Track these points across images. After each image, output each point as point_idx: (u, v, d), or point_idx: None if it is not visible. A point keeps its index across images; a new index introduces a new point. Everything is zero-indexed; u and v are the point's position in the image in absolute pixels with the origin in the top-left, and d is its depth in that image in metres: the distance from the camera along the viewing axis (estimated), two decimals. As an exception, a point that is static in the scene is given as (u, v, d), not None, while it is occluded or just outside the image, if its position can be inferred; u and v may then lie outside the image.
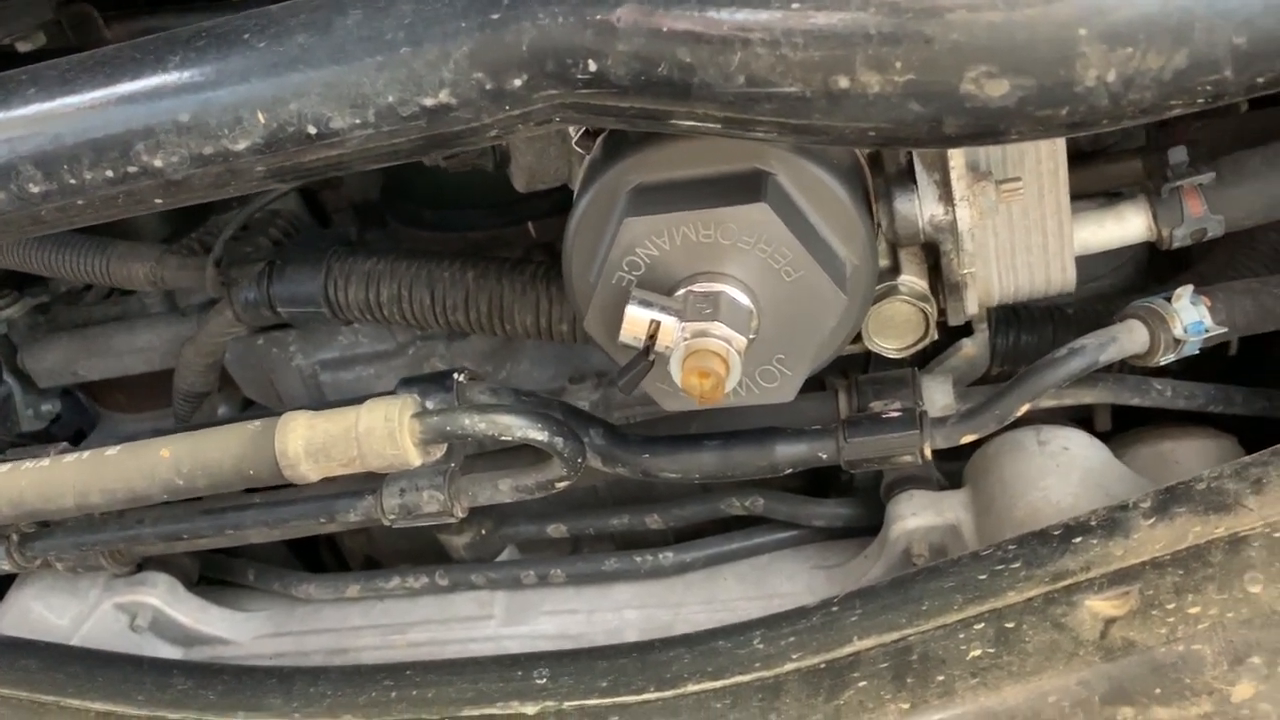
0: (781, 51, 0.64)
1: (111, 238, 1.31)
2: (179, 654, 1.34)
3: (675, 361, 0.82)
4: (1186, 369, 1.13)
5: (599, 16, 0.67)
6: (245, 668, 1.16)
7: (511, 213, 1.37)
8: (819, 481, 1.36)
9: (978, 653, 0.85)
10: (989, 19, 0.62)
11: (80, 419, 1.72)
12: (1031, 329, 1.16)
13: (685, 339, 0.81)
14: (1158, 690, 0.77)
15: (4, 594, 1.48)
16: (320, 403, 1.39)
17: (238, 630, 1.34)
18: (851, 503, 1.20)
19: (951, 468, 1.16)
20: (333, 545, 1.71)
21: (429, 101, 0.72)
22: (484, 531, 1.28)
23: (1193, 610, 0.78)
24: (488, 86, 0.71)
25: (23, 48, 1.05)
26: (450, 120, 0.73)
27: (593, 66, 0.69)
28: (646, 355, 0.84)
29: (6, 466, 0.99)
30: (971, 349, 1.10)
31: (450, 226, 1.39)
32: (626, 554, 1.25)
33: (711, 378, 0.80)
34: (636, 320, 0.82)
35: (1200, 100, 0.63)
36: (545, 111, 0.73)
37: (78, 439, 1.73)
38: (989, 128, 0.65)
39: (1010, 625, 0.85)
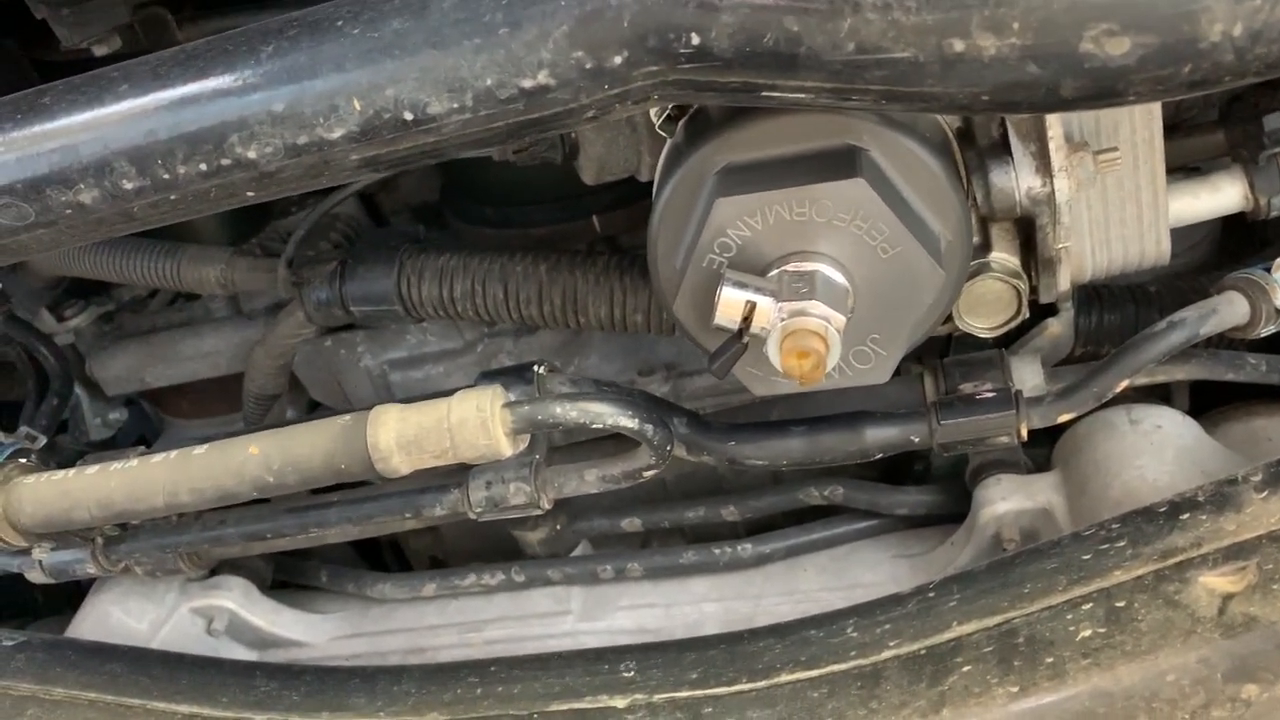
0: (893, 16, 0.63)
1: (180, 242, 1.32)
2: (255, 657, 1.34)
3: (773, 342, 0.81)
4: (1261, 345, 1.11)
5: (702, -12, 0.66)
6: (327, 668, 1.16)
7: (574, 207, 1.36)
8: (890, 472, 1.35)
9: (1088, 633, 0.83)
10: (1110, -25, 0.60)
11: (144, 427, 1.73)
12: (1114, 308, 1.14)
13: (782, 319, 0.80)
14: (1284, 666, 0.75)
15: (76, 599, 1.50)
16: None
17: (313, 632, 1.34)
18: (934, 490, 1.18)
19: (1034, 453, 1.15)
20: (396, 548, 1.71)
21: (527, 83, 0.71)
22: (558, 527, 1.27)
23: (1317, 583, 0.76)
24: (587, 66, 0.70)
25: (99, 51, 1.05)
26: (548, 102, 0.72)
27: (695, 40, 0.68)
28: (740, 338, 0.83)
29: (94, 468, 0.99)
30: (1057, 328, 1.08)
31: (513, 223, 1.39)
32: (704, 546, 1.23)
33: (812, 357, 0.79)
34: (732, 302, 0.81)
35: (1328, 53, 0.61)
36: (644, 89, 0.72)
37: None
38: (1108, 88, 0.63)
39: (1121, 604, 0.83)
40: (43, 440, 1.25)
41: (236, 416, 1.57)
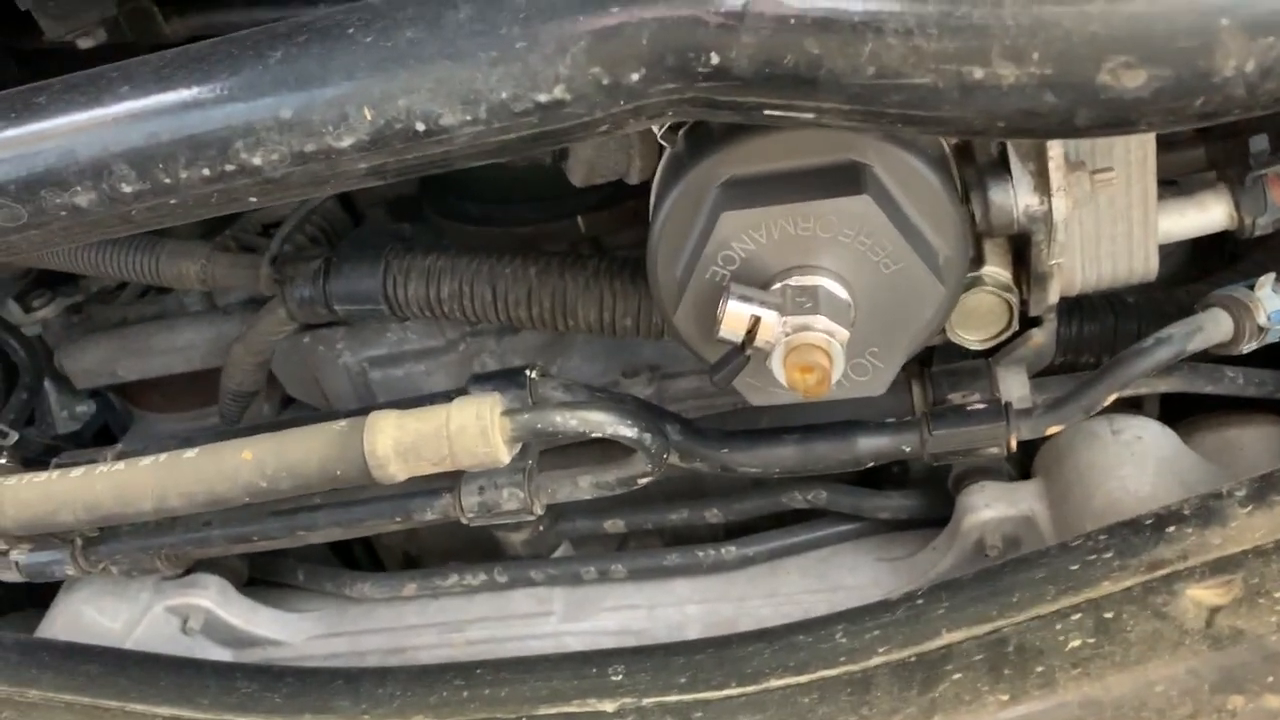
0: (915, 42, 0.64)
1: (158, 236, 1.29)
2: (231, 656, 1.33)
3: (777, 357, 0.81)
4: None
5: (723, 7, 0.66)
6: (310, 670, 1.15)
7: (559, 207, 1.35)
8: (868, 476, 1.36)
9: (1077, 643, 0.85)
10: (1130, 9, 0.61)
11: (110, 420, 1.70)
12: (1094, 318, 1.16)
13: (787, 334, 0.81)
14: (1270, 679, 0.78)
15: (35, 597, 1.47)
16: (370, 401, 1.38)
17: (290, 631, 1.33)
18: (916, 494, 1.20)
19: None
20: (368, 544, 1.70)
21: (543, 97, 0.71)
22: (541, 528, 1.27)
23: (1303, 598, 0.78)
24: (604, 82, 0.70)
25: (83, 44, 1.03)
26: (562, 116, 0.72)
27: (715, 60, 0.68)
28: (743, 350, 0.84)
29: (79, 470, 0.97)
30: (1040, 338, 1.09)
31: (496, 221, 1.38)
32: (687, 548, 1.24)
33: (816, 372, 0.80)
34: (737, 315, 0.82)
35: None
36: (660, 106, 0.72)
37: (103, 439, 1.71)
38: (1121, 118, 0.65)
39: (1109, 615, 0.85)
40: (14, 436, 1.23)
41: (208, 410, 1.55)
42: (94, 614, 1.28)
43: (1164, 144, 1.14)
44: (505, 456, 0.90)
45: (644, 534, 1.39)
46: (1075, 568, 0.90)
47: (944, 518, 1.16)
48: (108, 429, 1.72)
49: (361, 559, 1.70)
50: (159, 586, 1.30)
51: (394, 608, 1.32)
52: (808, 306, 0.81)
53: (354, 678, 1.10)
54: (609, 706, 0.99)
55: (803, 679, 0.96)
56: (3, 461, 1.08)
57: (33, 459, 1.25)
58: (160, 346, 1.45)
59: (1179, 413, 1.20)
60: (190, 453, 0.94)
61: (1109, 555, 0.89)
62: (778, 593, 1.22)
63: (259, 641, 1.33)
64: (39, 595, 1.48)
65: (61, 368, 1.49)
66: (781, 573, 1.23)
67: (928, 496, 1.19)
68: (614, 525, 1.30)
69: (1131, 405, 1.20)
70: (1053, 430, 0.98)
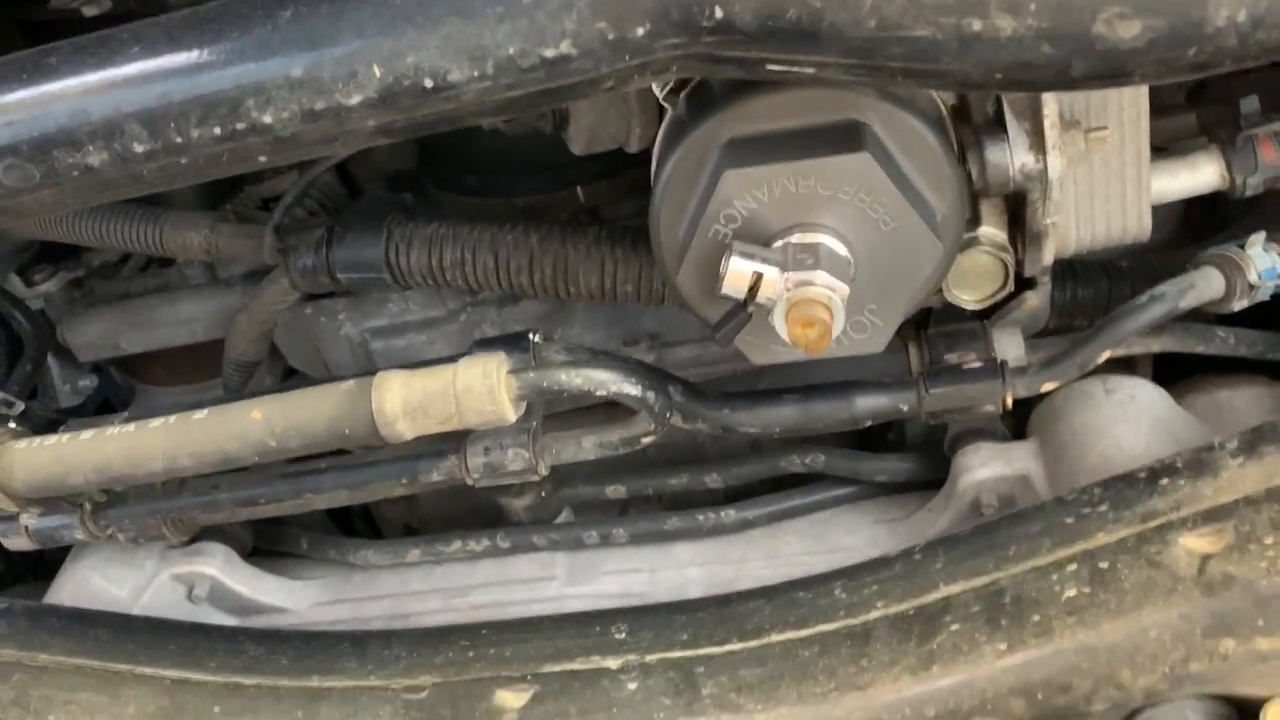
0: (915, -6, 0.65)
1: (161, 208, 1.31)
2: (236, 624, 1.34)
3: (779, 312, 0.83)
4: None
5: (727, -37, 0.68)
6: (316, 633, 1.17)
7: (558, 177, 1.37)
8: (865, 441, 1.38)
9: (1073, 593, 0.87)
10: (1125, -40, 0.63)
11: (111, 395, 1.71)
12: (1088, 283, 1.18)
13: (788, 290, 0.82)
14: (1260, 622, 0.80)
15: (39, 571, 1.48)
16: (374, 371, 1.39)
17: (295, 599, 1.34)
18: (913, 457, 1.22)
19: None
20: (368, 517, 1.71)
21: (549, 53, 0.72)
22: (544, 493, 1.28)
23: (1292, 544, 0.80)
24: (610, 37, 0.71)
25: (89, 12, 1.04)
26: (569, 72, 0.73)
27: (719, 14, 0.69)
28: (745, 307, 0.85)
29: (89, 433, 0.99)
30: (1034, 301, 1.11)
31: (496, 192, 1.39)
32: (688, 513, 1.26)
33: (817, 327, 0.81)
34: (739, 272, 0.83)
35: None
36: (665, 61, 0.73)
37: (104, 413, 1.72)
38: (1116, 69, 0.66)
39: (1104, 565, 0.87)
40: (20, 406, 1.24)
41: (211, 384, 1.56)
42: (101, 581, 1.29)
43: (1155, 110, 1.15)
44: (512, 414, 0.91)
45: (644, 500, 1.41)
46: (1070, 521, 0.92)
47: (940, 480, 1.17)
48: (109, 405, 1.73)
49: (362, 533, 1.71)
50: (165, 555, 1.31)
51: (397, 574, 1.33)
52: (809, 263, 0.83)
53: (360, 640, 1.12)
54: (613, 663, 1.01)
55: (803, 633, 0.97)
56: (13, 427, 1.09)
57: (38, 430, 1.26)
58: (163, 319, 1.46)
59: (1171, 377, 1.22)
60: (200, 414, 0.95)
61: (1103, 508, 0.91)
62: (777, 555, 1.23)
63: (264, 609, 1.34)
64: (42, 568, 1.50)
65: (65, 341, 1.50)
66: (780, 535, 1.25)
67: (924, 459, 1.21)
68: (615, 491, 1.31)
69: (1124, 367, 1.22)
70: (1048, 387, 0.99)
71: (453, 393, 0.89)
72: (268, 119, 0.76)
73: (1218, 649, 0.80)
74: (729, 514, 1.25)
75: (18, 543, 1.17)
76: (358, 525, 1.72)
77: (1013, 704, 0.86)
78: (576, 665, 1.02)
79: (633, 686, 0.97)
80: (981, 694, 0.86)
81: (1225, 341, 1.08)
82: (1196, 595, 0.82)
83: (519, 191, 1.38)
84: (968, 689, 0.87)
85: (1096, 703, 0.84)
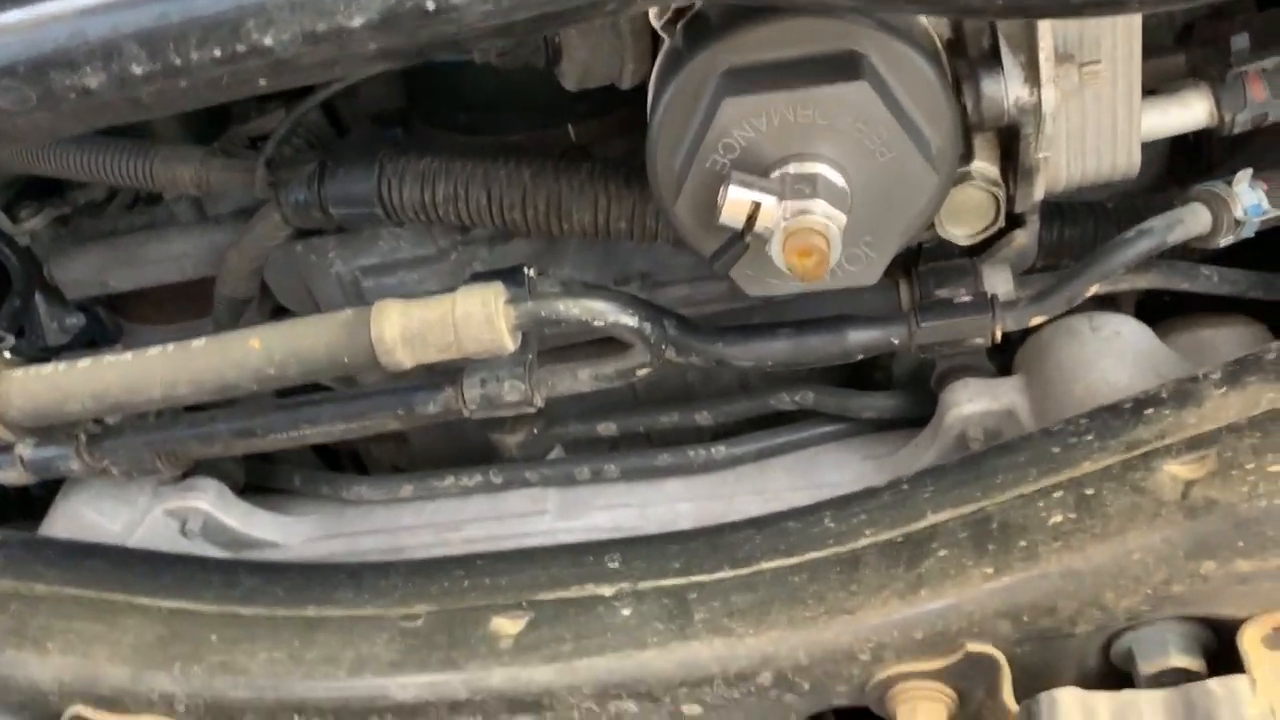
0: (920, -82, 0.65)
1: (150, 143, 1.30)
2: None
3: (777, 241, 0.84)
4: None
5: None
6: (312, 565, 1.18)
7: (548, 115, 1.36)
8: (853, 379, 1.40)
9: (1059, 519, 0.89)
10: (1127, -117, 0.63)
11: (98, 335, 1.70)
12: (1075, 223, 1.19)
13: (786, 218, 0.83)
14: (1240, 544, 0.82)
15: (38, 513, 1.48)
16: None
17: (287, 534, 1.35)
18: (900, 394, 1.23)
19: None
20: (356, 457, 1.72)
21: (552, -26, 0.72)
22: (535, 430, 1.29)
23: (1273, 469, 0.82)
24: (613, -42, 0.71)
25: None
26: (570, -6, 0.73)
27: (723, -64, 0.69)
28: (743, 237, 0.86)
29: (86, 361, 0.99)
30: (1023, 239, 1.12)
31: (486, 130, 1.39)
32: (679, 449, 1.27)
33: (815, 255, 0.82)
34: (737, 201, 0.84)
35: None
36: (666, -16, 0.73)
37: (90, 355, 1.71)
38: (1116, -5, 0.67)
39: (1090, 492, 0.89)
40: (10, 341, 1.24)
41: (200, 322, 1.56)
42: (94, 515, 1.29)
43: (1145, 50, 1.16)
44: (510, 343, 0.92)
45: (635, 438, 1.42)
46: (1056, 450, 0.94)
47: (927, 417, 1.19)
48: (95, 345, 1.72)
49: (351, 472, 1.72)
50: (157, 490, 1.32)
51: (390, 510, 1.34)
52: (806, 192, 0.84)
53: (355, 571, 1.13)
54: (606, 591, 1.03)
55: (793, 560, 1.00)
56: (8, 356, 1.09)
57: (29, 365, 1.26)
58: (152, 256, 1.45)
59: (1154, 317, 1.24)
60: (198, 342, 0.95)
61: (1089, 437, 0.93)
62: (766, 490, 1.25)
63: (257, 544, 1.35)
64: (31, 509, 1.50)
65: (52, 278, 1.49)
66: (769, 471, 1.26)
67: (912, 396, 1.23)
68: (606, 429, 1.32)
69: (1109, 306, 1.24)
70: (1037, 320, 1.01)
71: (451, 321, 0.90)
72: (268, 41, 0.76)
73: (1199, 570, 0.83)
74: (719, 450, 1.26)
75: (12, 475, 1.17)
76: (346, 467, 1.73)
77: (999, 626, 0.88)
78: (571, 593, 1.04)
79: (626, 612, 0.99)
80: (969, 616, 0.88)
81: (1209, 279, 1.10)
82: (1179, 519, 0.84)
83: (509, 129, 1.37)
84: (955, 612, 0.89)
85: (1081, 624, 0.87)
